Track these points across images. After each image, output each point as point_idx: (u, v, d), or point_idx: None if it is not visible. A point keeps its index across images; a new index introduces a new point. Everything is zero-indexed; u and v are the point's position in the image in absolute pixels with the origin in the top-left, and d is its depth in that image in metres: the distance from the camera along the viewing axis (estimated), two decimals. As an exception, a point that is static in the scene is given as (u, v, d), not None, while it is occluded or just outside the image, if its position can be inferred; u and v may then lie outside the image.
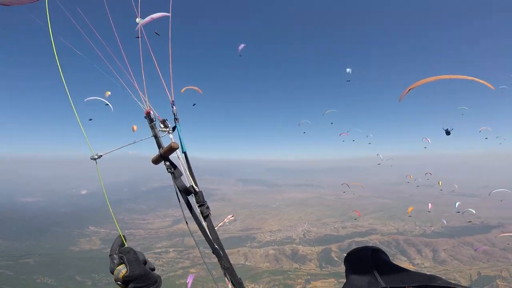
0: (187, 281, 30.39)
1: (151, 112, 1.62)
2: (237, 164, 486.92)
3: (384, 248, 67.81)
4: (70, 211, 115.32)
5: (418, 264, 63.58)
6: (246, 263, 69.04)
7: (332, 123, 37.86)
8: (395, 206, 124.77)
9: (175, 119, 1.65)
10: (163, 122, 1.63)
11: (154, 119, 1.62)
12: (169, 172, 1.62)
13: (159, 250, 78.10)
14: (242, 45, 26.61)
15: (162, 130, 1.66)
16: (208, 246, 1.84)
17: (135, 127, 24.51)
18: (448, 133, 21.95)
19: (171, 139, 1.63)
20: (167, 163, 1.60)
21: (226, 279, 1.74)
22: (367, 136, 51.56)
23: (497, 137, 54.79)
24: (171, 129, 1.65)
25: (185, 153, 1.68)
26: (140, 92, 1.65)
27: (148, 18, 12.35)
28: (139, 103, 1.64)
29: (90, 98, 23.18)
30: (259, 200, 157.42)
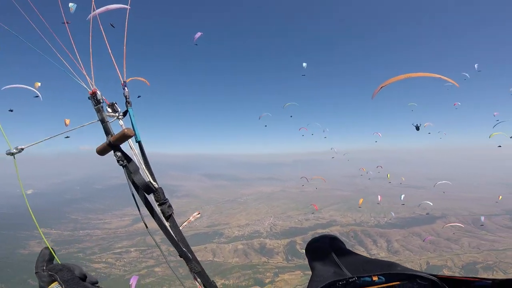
0: (130, 283, 27.33)
1: (98, 92, 1.34)
2: (202, 159, 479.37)
3: (343, 239, 72.66)
4: (14, 212, 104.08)
5: (374, 254, 68.20)
6: (215, 259, 69.53)
7: (291, 116, 37.13)
8: (352, 198, 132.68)
9: (127, 102, 1.41)
10: (111, 105, 1.38)
11: (100, 101, 1.35)
12: (120, 165, 1.34)
13: (119, 250, 75.11)
14: (198, 34, 25.73)
15: (110, 115, 1.39)
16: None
17: (67, 121, 23.02)
18: (417, 128, 22.91)
19: (121, 125, 1.41)
20: (118, 153, 1.31)
21: (197, 284, 1.55)
22: (323, 131, 52.52)
23: (438, 132, 62.17)
24: (121, 113, 1.40)
25: (139, 142, 1.43)
26: (84, 70, 1.40)
27: (103, 9, 11.63)
28: (82, 83, 1.37)
29: (11, 86, 20.07)
30: (225, 195, 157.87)
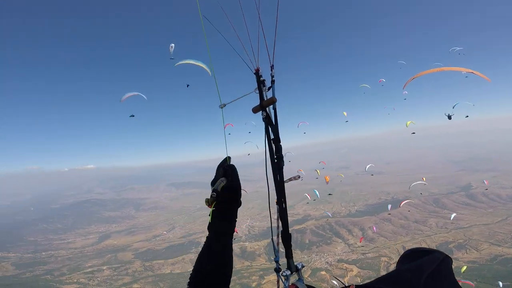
0: None
1: (260, 70, 1.78)
2: (165, 169, 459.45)
3: (320, 232, 74.14)
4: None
5: (352, 244, 70.50)
6: None
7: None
8: (322, 190, 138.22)
9: (272, 80, 1.80)
10: (262, 81, 1.79)
11: (261, 76, 1.78)
12: (264, 120, 1.75)
13: (90, 269, 70.98)
14: (172, 46, 23.36)
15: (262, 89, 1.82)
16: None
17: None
18: (449, 117, 23.16)
19: (266, 96, 1.79)
20: (264, 112, 1.74)
21: (279, 232, 1.75)
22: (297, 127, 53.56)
23: (388, 114, 65.35)
24: (268, 87, 1.80)
25: (275, 109, 1.81)
26: (252, 51, 1.79)
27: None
28: (246, 63, 1.80)
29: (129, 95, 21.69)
30: (197, 203, 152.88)
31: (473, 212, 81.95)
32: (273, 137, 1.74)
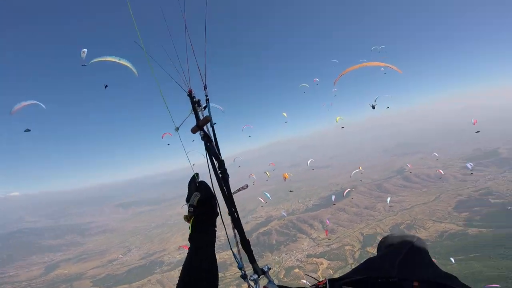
0: None
1: (192, 91, 1.91)
2: (109, 189, 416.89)
3: (284, 231, 76.23)
4: None
5: (316, 238, 73.41)
6: None
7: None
8: (278, 190, 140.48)
9: (207, 99, 1.97)
10: (197, 101, 1.92)
11: (194, 97, 1.91)
12: (203, 140, 1.90)
13: None
14: (84, 51, 18.98)
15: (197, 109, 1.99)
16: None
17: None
18: (373, 107, 25.50)
19: (202, 115, 1.96)
20: (202, 132, 1.87)
21: (235, 241, 1.99)
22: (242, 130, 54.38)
23: (328, 110, 71.38)
24: (203, 107, 1.95)
25: (213, 126, 1.95)
26: (184, 72, 1.92)
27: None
28: (180, 85, 1.93)
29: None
30: (151, 221, 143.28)
31: (411, 193, 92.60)
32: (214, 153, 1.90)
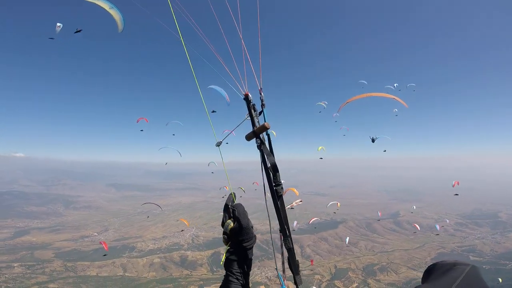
0: None
1: (249, 94, 1.79)
2: (110, 167, 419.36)
3: (264, 246, 74.43)
4: None
5: None
6: (126, 274, 62.20)
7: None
8: (271, 206, 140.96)
9: (262, 104, 1.82)
10: (253, 106, 1.80)
11: (251, 101, 1.79)
12: (259, 148, 1.76)
13: None
14: (59, 25, 18.24)
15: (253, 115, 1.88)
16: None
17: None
18: (373, 140, 24.52)
19: (258, 122, 1.84)
20: (258, 140, 1.74)
21: (281, 258, 1.95)
22: (227, 143, 54.74)
23: (344, 135, 71.09)
24: (258, 112, 1.83)
25: (268, 135, 1.84)
26: (240, 77, 1.85)
27: None
28: (239, 86, 1.84)
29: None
30: (137, 207, 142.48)
31: (397, 238, 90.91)
32: (269, 165, 1.76)
